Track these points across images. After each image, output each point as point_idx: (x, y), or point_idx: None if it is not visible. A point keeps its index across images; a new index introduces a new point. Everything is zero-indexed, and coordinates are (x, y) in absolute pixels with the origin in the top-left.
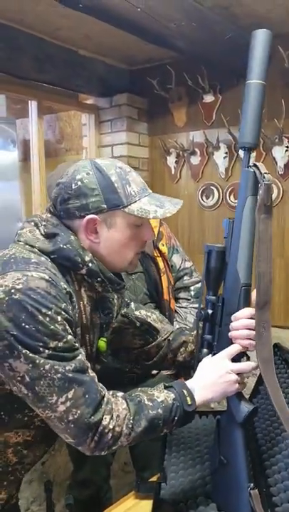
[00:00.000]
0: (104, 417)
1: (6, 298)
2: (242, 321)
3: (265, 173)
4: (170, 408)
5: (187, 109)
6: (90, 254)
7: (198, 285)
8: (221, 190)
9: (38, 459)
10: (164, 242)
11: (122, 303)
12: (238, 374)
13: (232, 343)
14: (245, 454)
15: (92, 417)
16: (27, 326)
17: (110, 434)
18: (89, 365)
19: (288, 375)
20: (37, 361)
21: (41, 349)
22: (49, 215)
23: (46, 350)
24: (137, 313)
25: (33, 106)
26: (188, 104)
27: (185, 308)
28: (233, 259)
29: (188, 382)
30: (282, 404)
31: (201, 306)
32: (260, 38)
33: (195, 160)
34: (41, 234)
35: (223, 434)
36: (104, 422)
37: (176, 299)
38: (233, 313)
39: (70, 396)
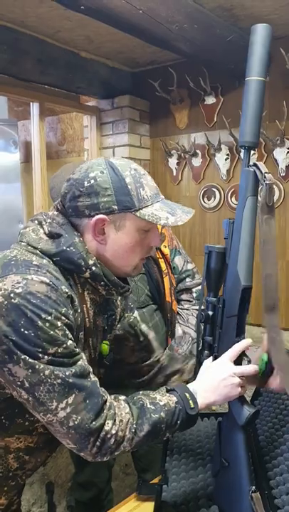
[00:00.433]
0: (107, 422)
1: (6, 302)
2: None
3: (266, 172)
4: (173, 412)
5: (189, 111)
6: (94, 258)
7: (200, 287)
8: (222, 192)
9: (39, 464)
10: (166, 244)
11: (126, 306)
12: (240, 377)
13: (232, 345)
14: (247, 457)
15: (94, 423)
16: (26, 332)
17: (113, 440)
18: (91, 369)
19: None
20: (36, 367)
21: (40, 355)
22: (56, 213)
23: (46, 356)
24: (142, 326)
25: (34, 108)
26: (189, 106)
27: (187, 310)
28: (234, 261)
29: (191, 385)
30: None
31: (202, 307)
32: (260, 33)
33: (196, 162)
34: (45, 233)
35: (224, 436)
36: (107, 428)
37: (178, 301)
38: (233, 315)
39: (70, 401)
